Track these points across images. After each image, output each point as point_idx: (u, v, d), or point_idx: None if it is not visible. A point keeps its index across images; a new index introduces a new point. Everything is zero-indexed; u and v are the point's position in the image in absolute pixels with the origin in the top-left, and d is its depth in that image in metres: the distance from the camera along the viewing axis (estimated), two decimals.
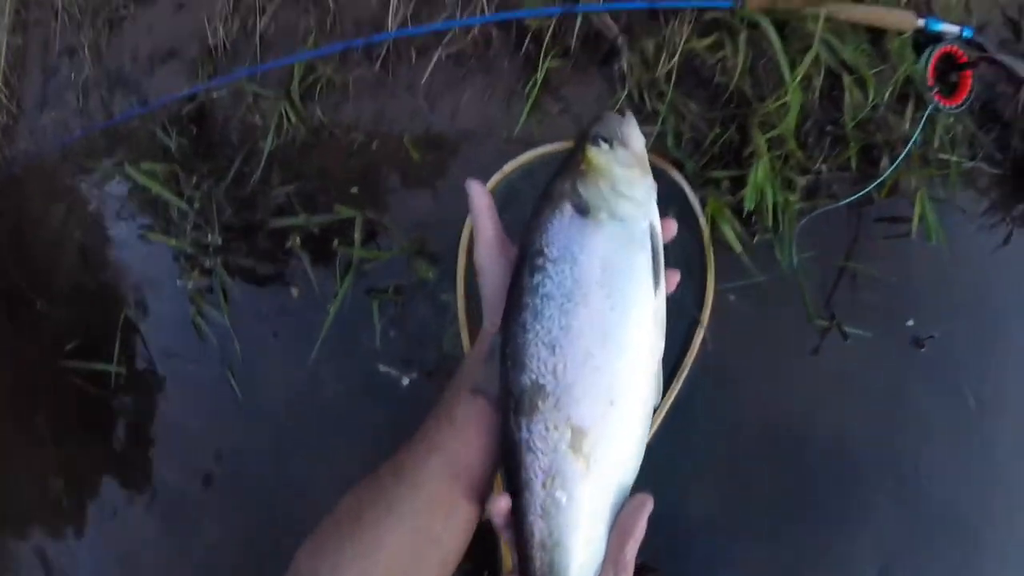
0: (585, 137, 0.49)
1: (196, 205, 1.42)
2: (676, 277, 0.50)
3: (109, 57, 1.87)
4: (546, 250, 0.46)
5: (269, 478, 1.28)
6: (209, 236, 1.37)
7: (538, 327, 0.45)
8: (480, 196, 0.53)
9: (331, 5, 1.25)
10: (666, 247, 0.49)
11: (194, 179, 1.44)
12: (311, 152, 1.25)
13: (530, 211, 0.49)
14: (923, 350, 1.24)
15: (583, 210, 0.47)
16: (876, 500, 1.16)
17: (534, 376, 0.45)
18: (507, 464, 0.46)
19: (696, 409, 1.11)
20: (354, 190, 1.17)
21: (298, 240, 1.20)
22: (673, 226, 0.51)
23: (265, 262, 1.27)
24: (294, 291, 1.21)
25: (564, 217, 0.47)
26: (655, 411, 0.48)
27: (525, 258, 0.47)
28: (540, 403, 0.44)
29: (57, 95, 2.02)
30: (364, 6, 1.22)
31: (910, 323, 1.23)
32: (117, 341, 1.53)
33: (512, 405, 0.45)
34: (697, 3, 1.12)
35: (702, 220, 1.09)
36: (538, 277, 0.46)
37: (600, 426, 0.44)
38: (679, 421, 1.09)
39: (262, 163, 1.29)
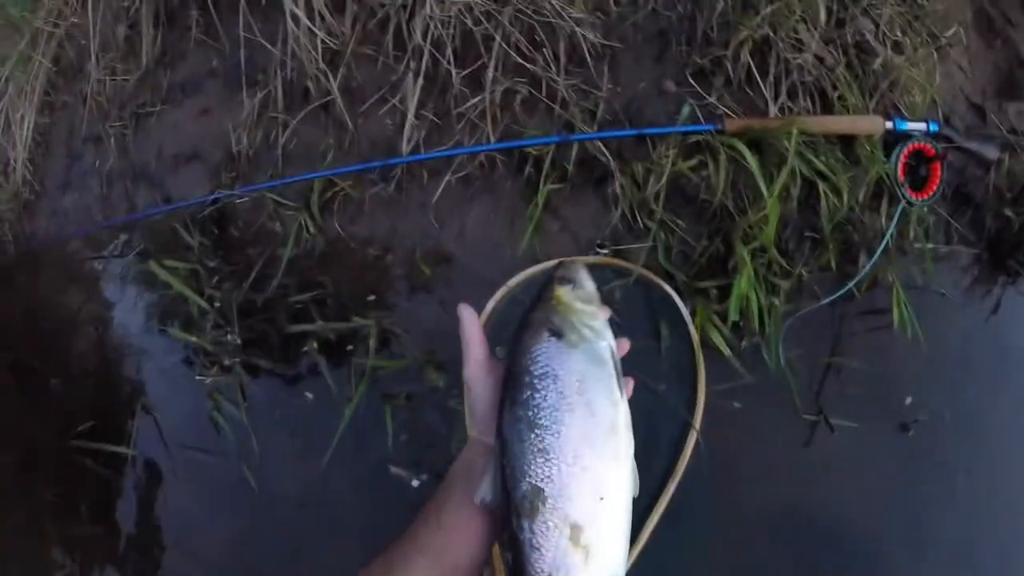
0: (553, 280, 0.59)
1: (216, 304, 1.50)
2: (631, 384, 0.58)
3: (135, 151, 1.97)
4: (532, 368, 0.53)
5: (279, 570, 1.32)
6: (228, 335, 1.45)
7: (532, 436, 0.51)
8: (470, 320, 0.59)
9: (350, 127, 1.37)
10: (650, 356, 0.55)
11: (215, 279, 1.53)
12: (328, 262, 1.34)
13: (511, 338, 0.57)
14: (911, 433, 1.31)
15: (558, 334, 0.55)
16: None
17: (532, 481, 0.50)
18: (514, 562, 0.51)
19: (696, 505, 1.17)
20: (371, 298, 1.26)
21: (315, 345, 1.28)
22: (626, 344, 0.59)
23: (283, 363, 1.34)
24: (309, 395, 1.28)
25: (543, 341, 0.55)
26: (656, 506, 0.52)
27: (513, 376, 0.54)
28: (540, 505, 0.49)
29: (80, 179, 2.11)
30: (380, 129, 1.34)
31: (908, 401, 1.31)
32: (134, 424, 1.57)
33: (514, 509, 0.50)
34: (681, 129, 1.23)
35: (692, 329, 1.17)
36: (527, 392, 0.52)
37: (594, 519, 0.50)
38: (681, 517, 1.14)
39: (281, 270, 1.38)
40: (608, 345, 0.56)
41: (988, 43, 1.54)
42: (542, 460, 0.50)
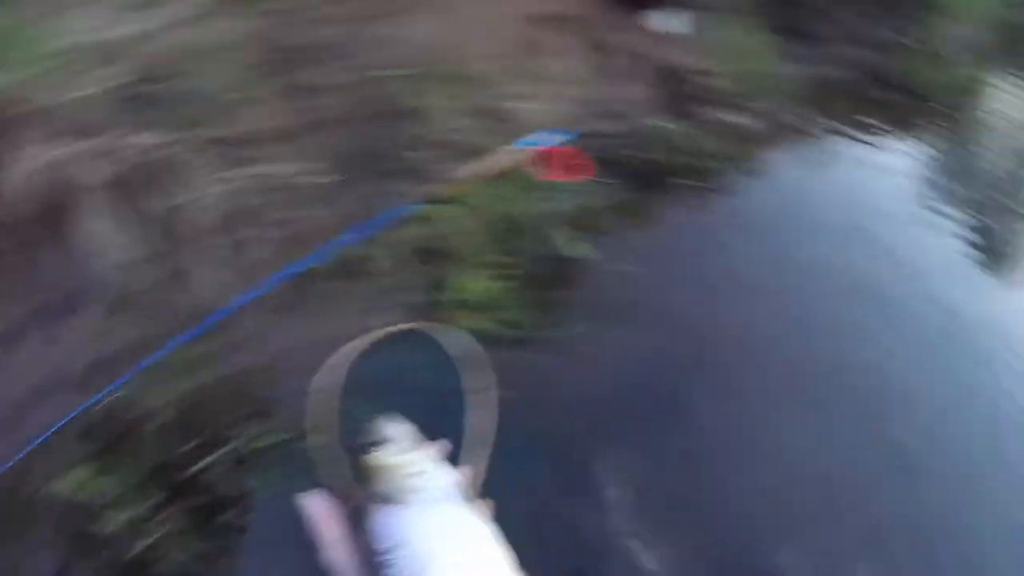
0: (363, 451, 0.61)
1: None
2: (489, 506, 0.60)
3: None
4: (385, 544, 0.55)
5: None
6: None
7: None
8: (316, 506, 0.59)
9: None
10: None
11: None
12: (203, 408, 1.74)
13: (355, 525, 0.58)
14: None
15: (390, 501, 0.57)
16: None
17: None
18: None
19: None
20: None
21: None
22: (468, 471, 0.62)
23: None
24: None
25: (379, 515, 0.56)
26: None
27: (376, 558, 0.55)
28: None
29: None
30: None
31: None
32: None
33: None
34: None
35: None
36: (395, 568, 0.54)
37: None
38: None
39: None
40: (443, 482, 0.58)
41: (594, 51, 2.16)
42: None
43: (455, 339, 1.64)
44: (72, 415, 1.89)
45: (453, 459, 0.62)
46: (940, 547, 1.60)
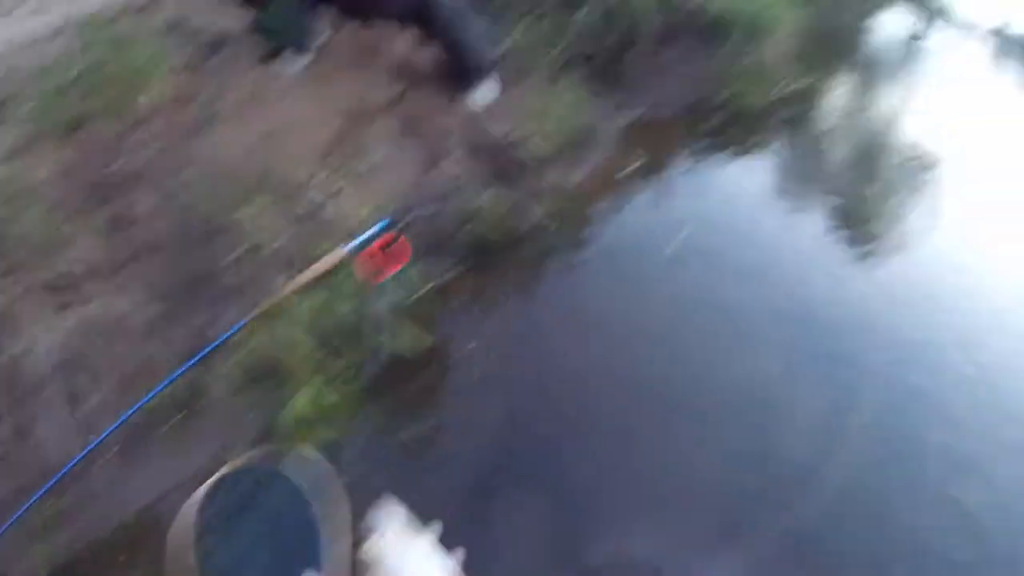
0: (360, 539, 0.68)
1: None
2: (459, 553, 0.67)
3: None
4: None
5: None
6: None
7: None
8: None
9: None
10: None
11: None
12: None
13: None
14: None
15: None
16: None
17: None
18: None
19: None
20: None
21: None
22: (461, 553, 0.70)
23: None
24: None
25: None
26: None
27: None
28: None
29: None
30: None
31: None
32: None
33: None
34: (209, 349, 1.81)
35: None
36: None
37: None
38: None
39: None
40: (441, 565, 0.65)
41: (412, 136, 2.27)
42: None
43: (301, 465, 1.66)
44: None
45: None
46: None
